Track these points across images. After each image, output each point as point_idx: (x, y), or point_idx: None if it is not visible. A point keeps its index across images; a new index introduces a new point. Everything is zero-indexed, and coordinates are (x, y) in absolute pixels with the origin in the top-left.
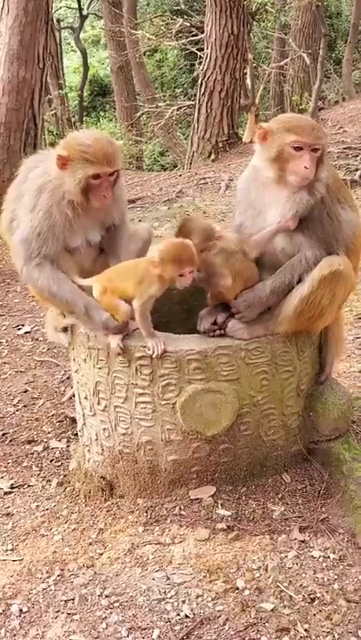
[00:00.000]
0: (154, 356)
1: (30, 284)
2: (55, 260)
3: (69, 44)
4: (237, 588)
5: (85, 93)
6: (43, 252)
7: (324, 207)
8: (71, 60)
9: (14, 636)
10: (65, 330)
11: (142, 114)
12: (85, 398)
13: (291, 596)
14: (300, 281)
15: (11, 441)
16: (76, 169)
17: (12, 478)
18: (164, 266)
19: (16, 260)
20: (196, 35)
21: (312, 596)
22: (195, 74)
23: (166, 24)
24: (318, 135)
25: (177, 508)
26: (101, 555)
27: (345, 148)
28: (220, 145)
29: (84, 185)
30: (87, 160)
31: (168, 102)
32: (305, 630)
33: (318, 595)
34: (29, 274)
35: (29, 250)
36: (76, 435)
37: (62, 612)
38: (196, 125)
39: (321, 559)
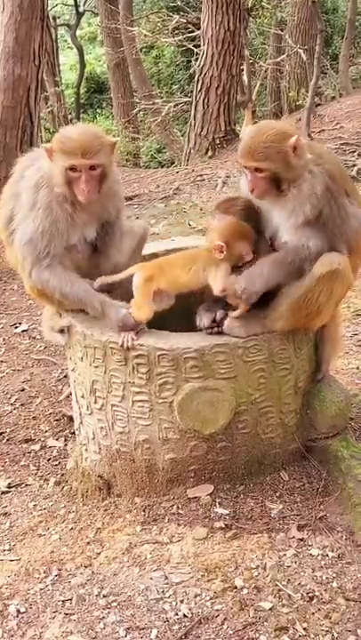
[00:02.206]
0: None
1: (40, 285)
2: (62, 260)
3: (66, 41)
4: (236, 587)
5: (82, 90)
6: (51, 253)
7: (331, 197)
8: (67, 58)
9: (12, 636)
10: (62, 331)
11: (139, 111)
12: (82, 397)
13: (289, 595)
14: (299, 269)
15: (8, 440)
16: (57, 160)
17: (9, 477)
18: (232, 248)
19: (22, 262)
20: (192, 31)
21: (311, 594)
22: (191, 70)
23: (163, 21)
24: (255, 158)
25: (175, 506)
26: (99, 554)
27: (342, 144)
28: (217, 141)
29: (65, 177)
30: (65, 151)
31: (165, 99)
32: (304, 629)
33: (317, 593)
34: (39, 276)
35: (36, 251)
36: (74, 433)
37: (60, 613)
38: (193, 122)
39: (320, 557)
